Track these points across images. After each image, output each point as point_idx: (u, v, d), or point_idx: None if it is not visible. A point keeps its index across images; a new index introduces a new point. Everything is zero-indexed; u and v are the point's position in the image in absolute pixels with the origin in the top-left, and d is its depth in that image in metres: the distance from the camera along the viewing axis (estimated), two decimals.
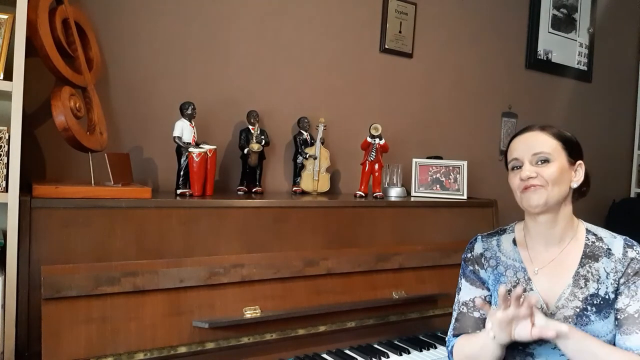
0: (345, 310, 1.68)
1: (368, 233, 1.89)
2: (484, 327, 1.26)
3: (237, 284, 1.54)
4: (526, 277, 1.25)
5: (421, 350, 1.70)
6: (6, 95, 1.37)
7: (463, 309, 1.31)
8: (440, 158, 2.43)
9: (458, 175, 2.29)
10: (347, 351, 1.66)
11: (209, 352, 1.45)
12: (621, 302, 1.17)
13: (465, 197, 2.26)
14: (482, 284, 1.31)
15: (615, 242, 1.22)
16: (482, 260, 1.32)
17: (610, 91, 3.46)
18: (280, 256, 1.65)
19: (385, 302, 1.76)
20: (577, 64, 3.24)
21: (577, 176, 1.24)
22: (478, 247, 1.35)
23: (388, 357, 1.64)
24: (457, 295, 1.35)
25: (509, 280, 1.26)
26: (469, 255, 1.36)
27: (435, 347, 1.73)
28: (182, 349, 1.41)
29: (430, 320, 1.87)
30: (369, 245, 1.87)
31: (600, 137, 3.42)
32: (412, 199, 2.23)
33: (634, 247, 1.20)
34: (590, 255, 1.22)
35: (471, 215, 2.17)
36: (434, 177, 2.31)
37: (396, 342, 1.74)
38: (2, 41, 1.36)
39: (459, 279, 1.36)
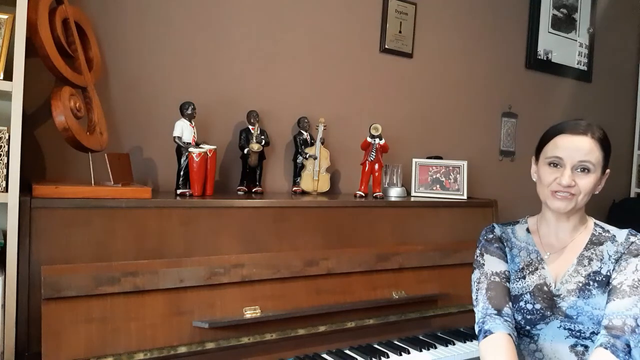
0: (345, 310, 1.68)
1: (368, 233, 1.89)
2: (510, 301, 1.29)
3: (237, 284, 1.54)
4: (539, 258, 1.31)
5: (421, 351, 1.69)
6: (6, 95, 1.37)
7: (495, 278, 1.31)
8: (440, 158, 2.43)
9: (458, 175, 2.29)
10: (347, 351, 1.66)
11: (209, 352, 1.45)
12: (613, 280, 1.22)
13: (465, 197, 2.26)
14: (506, 260, 1.35)
15: (620, 232, 1.30)
16: (502, 241, 1.38)
17: (610, 91, 3.46)
18: (280, 256, 1.65)
19: (385, 302, 1.76)
20: (577, 64, 3.24)
21: (602, 183, 1.28)
22: (497, 231, 1.40)
23: (388, 357, 1.64)
24: (478, 270, 1.34)
25: (522, 260, 1.33)
26: (490, 235, 1.39)
27: (435, 347, 1.73)
28: (182, 349, 1.41)
29: (430, 320, 1.87)
30: (369, 245, 1.87)
31: None
32: (412, 199, 2.23)
33: (638, 236, 1.27)
34: (595, 242, 1.29)
35: (471, 215, 2.17)
36: (434, 177, 2.31)
37: (396, 342, 1.74)
38: (2, 41, 1.36)
39: (480, 256, 1.36)
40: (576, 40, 3.22)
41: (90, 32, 1.71)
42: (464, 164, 2.29)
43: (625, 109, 3.60)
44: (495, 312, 1.25)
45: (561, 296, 1.24)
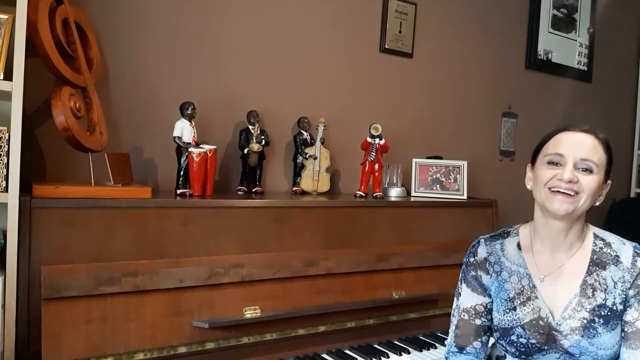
0: (345, 310, 1.68)
1: (368, 233, 1.89)
2: (485, 335, 1.24)
3: (237, 284, 1.54)
4: (531, 285, 1.19)
5: (421, 351, 1.70)
6: (6, 95, 1.37)
7: (464, 315, 1.25)
8: (440, 158, 2.43)
9: (458, 175, 2.29)
10: (347, 351, 1.66)
11: (209, 352, 1.46)
12: (630, 315, 1.12)
13: (465, 197, 2.26)
14: (484, 290, 1.25)
15: (624, 249, 1.17)
16: (487, 265, 1.25)
17: (610, 91, 3.46)
18: (280, 256, 1.65)
19: (385, 302, 1.76)
20: (577, 64, 3.24)
21: (603, 195, 1.18)
22: (482, 251, 1.26)
23: (388, 357, 1.64)
24: (456, 300, 1.28)
25: (513, 287, 1.20)
26: (471, 259, 1.27)
27: (435, 347, 1.73)
28: (182, 349, 1.41)
29: (430, 320, 1.87)
30: (369, 245, 1.87)
31: None
32: (412, 199, 2.23)
33: None
34: (597, 263, 1.17)
35: (471, 215, 2.17)
36: (434, 177, 2.31)
37: (396, 342, 1.75)
38: (2, 41, 1.36)
39: (459, 283, 1.29)
40: (576, 40, 3.22)
41: (90, 32, 1.70)
42: (464, 164, 2.29)
43: (625, 109, 3.60)
44: (457, 350, 1.24)
45: (563, 333, 1.14)
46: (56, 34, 1.51)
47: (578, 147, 1.13)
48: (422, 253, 1.91)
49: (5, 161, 1.32)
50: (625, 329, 1.13)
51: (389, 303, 1.77)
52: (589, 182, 1.12)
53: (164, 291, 1.43)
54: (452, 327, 1.27)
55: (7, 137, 1.32)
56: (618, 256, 1.16)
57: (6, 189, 1.31)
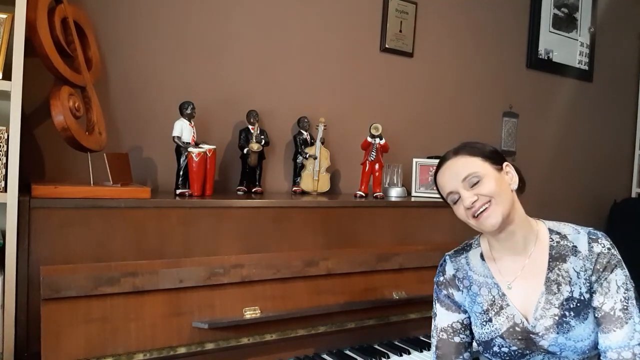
0: (345, 311, 1.68)
1: (368, 233, 1.89)
2: (466, 351, 1.25)
3: (237, 284, 1.54)
4: (500, 293, 1.21)
5: (421, 351, 1.69)
6: (5, 95, 1.37)
7: (442, 335, 1.26)
8: None
9: None
10: (347, 352, 1.65)
11: (208, 352, 1.45)
12: (596, 301, 1.14)
13: None
14: (458, 307, 1.26)
15: (579, 237, 1.19)
16: (456, 281, 1.27)
17: (611, 91, 3.45)
18: (280, 256, 1.64)
19: (386, 303, 1.76)
20: (578, 63, 3.23)
21: (512, 178, 1.20)
22: (449, 269, 1.29)
23: (388, 357, 1.63)
24: (433, 321, 1.30)
25: (485, 299, 1.22)
26: (441, 278, 1.30)
27: None
28: (182, 350, 1.41)
29: (430, 320, 1.86)
30: (369, 245, 1.86)
31: (601, 136, 3.42)
32: (413, 199, 2.23)
33: (599, 240, 1.17)
34: (557, 257, 1.18)
35: None
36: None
37: (396, 343, 1.74)
38: (1, 41, 1.35)
39: (434, 303, 1.31)
40: (577, 40, 3.21)
41: (89, 31, 1.70)
42: None
43: (626, 108, 3.59)
44: None
45: (539, 334, 1.15)
46: (55, 34, 1.50)
47: (452, 175, 1.19)
48: (422, 253, 1.90)
49: (4, 161, 1.31)
50: (596, 315, 1.14)
51: (389, 303, 1.77)
52: (487, 187, 1.15)
53: (163, 291, 1.43)
54: (433, 349, 1.28)
55: (5, 137, 1.32)
56: (575, 246, 1.18)
57: (5, 189, 1.31)
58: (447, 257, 1.32)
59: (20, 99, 1.32)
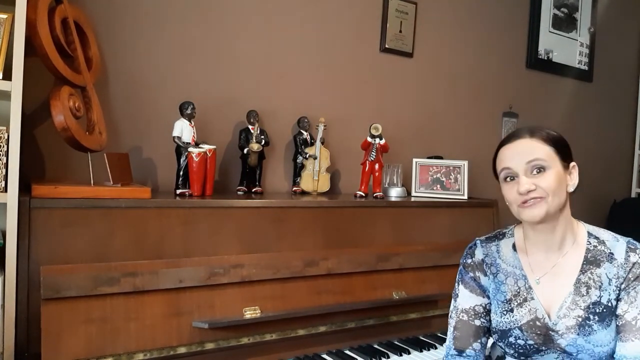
0: (345, 311, 1.68)
1: (368, 233, 1.89)
2: (484, 336, 1.24)
3: (237, 284, 1.54)
4: (527, 286, 1.20)
5: (421, 351, 1.69)
6: (5, 95, 1.37)
7: (463, 316, 1.24)
8: (441, 158, 2.42)
9: (458, 175, 2.28)
10: (347, 351, 1.65)
11: (208, 352, 1.45)
12: (620, 309, 1.13)
13: (465, 197, 2.25)
14: (483, 291, 1.25)
15: (617, 245, 1.17)
16: (484, 266, 1.25)
17: (611, 91, 3.45)
18: (280, 256, 1.65)
19: (386, 303, 1.76)
20: (578, 63, 3.23)
21: (573, 179, 1.17)
22: (478, 253, 1.27)
23: (388, 357, 1.63)
24: (453, 302, 1.28)
25: (509, 289, 1.21)
26: (469, 261, 1.28)
27: (436, 348, 1.72)
28: (182, 350, 1.41)
29: (430, 320, 1.86)
30: (369, 245, 1.86)
31: (601, 136, 3.42)
32: (413, 199, 2.23)
33: (637, 251, 1.15)
34: (591, 261, 1.17)
35: (472, 216, 2.17)
36: (435, 177, 2.31)
37: (396, 343, 1.74)
38: (2, 41, 1.35)
39: (457, 284, 1.29)
40: (577, 40, 3.21)
41: (89, 31, 1.70)
42: (464, 164, 2.28)
43: (626, 108, 3.60)
44: (457, 352, 1.23)
45: (559, 332, 1.14)
46: (55, 34, 1.50)
47: (519, 154, 1.15)
48: (422, 253, 1.90)
49: (5, 161, 1.31)
50: (617, 323, 1.13)
51: (389, 303, 1.77)
52: (548, 181, 1.12)
53: (163, 291, 1.43)
54: (450, 329, 1.26)
55: (6, 137, 1.32)
56: (612, 253, 1.16)
57: (5, 189, 1.31)
58: (478, 242, 1.30)
59: (21, 99, 1.32)
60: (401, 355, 1.65)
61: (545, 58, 3.06)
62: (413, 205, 2.11)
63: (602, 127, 3.43)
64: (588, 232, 1.21)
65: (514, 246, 1.25)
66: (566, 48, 3.16)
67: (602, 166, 3.42)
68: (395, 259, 1.84)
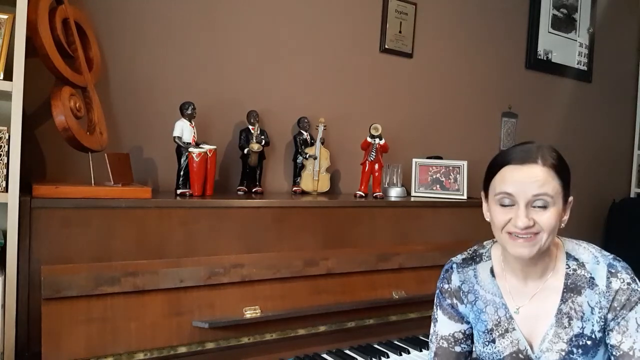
0: (345, 310, 1.68)
1: (368, 233, 1.89)
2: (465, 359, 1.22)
3: (237, 284, 1.54)
4: (507, 315, 1.14)
5: (421, 350, 1.70)
6: (6, 95, 1.37)
7: (443, 343, 1.21)
8: (440, 158, 2.43)
9: (458, 176, 2.29)
10: (347, 351, 1.66)
11: (209, 352, 1.45)
12: (614, 339, 1.07)
13: (465, 197, 2.26)
14: (461, 318, 1.21)
15: (598, 268, 1.10)
16: (460, 294, 1.20)
17: (610, 91, 3.46)
18: (280, 256, 1.65)
19: (386, 302, 1.76)
20: (577, 64, 3.24)
21: (567, 214, 1.10)
22: (455, 279, 1.21)
23: (388, 357, 1.64)
24: (433, 326, 1.24)
25: (490, 318, 1.16)
26: (445, 286, 1.22)
27: None
28: (182, 349, 1.41)
29: (430, 320, 1.86)
30: (369, 245, 1.87)
31: (601, 137, 3.42)
32: (412, 199, 2.23)
33: (619, 275, 1.08)
34: (572, 288, 1.10)
35: (471, 216, 2.17)
36: (434, 177, 2.31)
37: (396, 342, 1.74)
38: (2, 41, 1.36)
39: (435, 308, 1.24)
40: (576, 40, 3.22)
41: (90, 32, 1.70)
42: (464, 164, 2.29)
43: (625, 109, 3.60)
44: None
45: None
46: (56, 34, 1.51)
47: (527, 184, 1.03)
48: (422, 253, 1.91)
49: (5, 161, 1.32)
50: (613, 353, 1.08)
51: (389, 303, 1.77)
52: (548, 219, 1.03)
53: (164, 291, 1.43)
54: (431, 355, 1.23)
55: (7, 137, 1.32)
56: (593, 278, 1.10)
57: (6, 189, 1.31)
58: (455, 266, 1.23)
59: (22, 99, 1.32)
60: (401, 354, 1.65)
61: (545, 58, 3.07)
62: (413, 205, 2.11)
63: (602, 127, 3.43)
64: (567, 253, 1.14)
65: (491, 271, 1.19)
66: (565, 48, 3.16)
67: (602, 166, 3.42)
68: (395, 258, 1.84)
